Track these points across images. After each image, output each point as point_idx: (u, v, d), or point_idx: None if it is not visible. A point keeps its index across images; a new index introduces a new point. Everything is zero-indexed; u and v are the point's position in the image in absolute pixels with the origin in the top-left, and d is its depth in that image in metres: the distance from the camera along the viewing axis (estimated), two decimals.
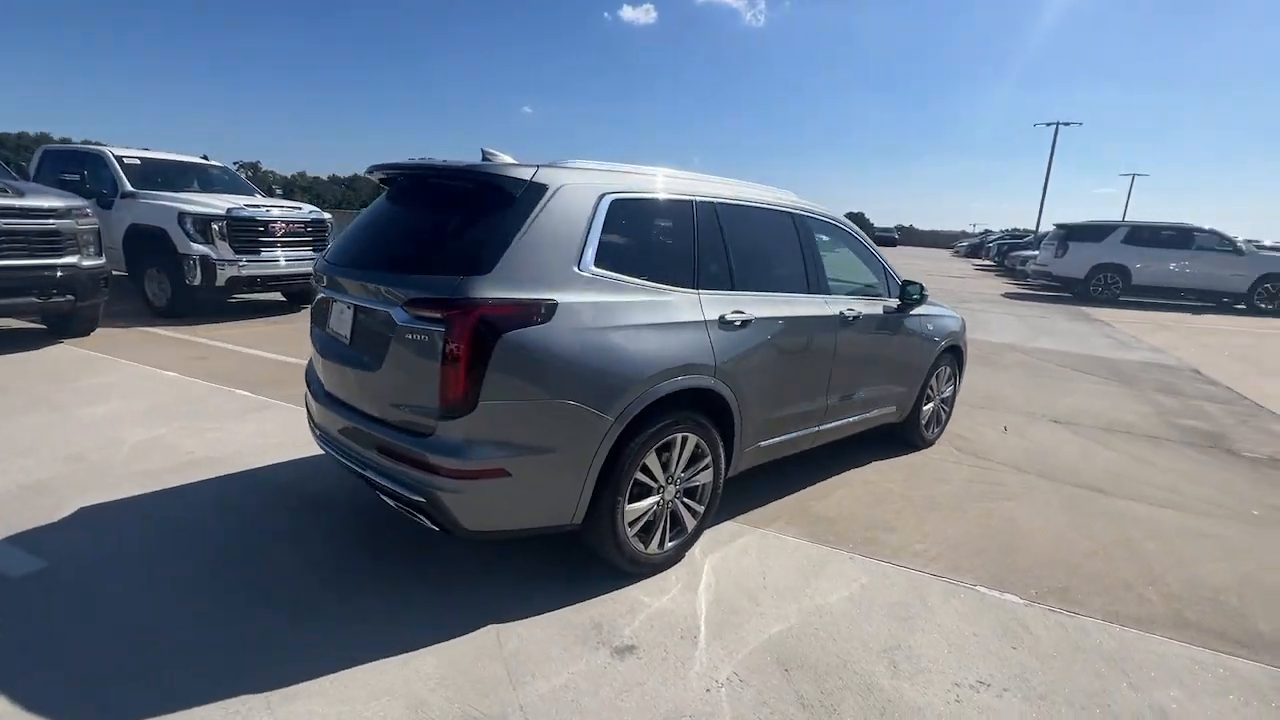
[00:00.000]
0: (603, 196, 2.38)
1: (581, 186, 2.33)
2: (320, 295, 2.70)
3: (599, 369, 2.22)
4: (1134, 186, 41.07)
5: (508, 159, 2.41)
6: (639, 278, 2.43)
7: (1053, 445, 4.72)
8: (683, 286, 2.59)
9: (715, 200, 2.85)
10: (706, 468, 2.70)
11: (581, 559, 2.61)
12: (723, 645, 2.20)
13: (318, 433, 2.67)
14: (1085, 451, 4.64)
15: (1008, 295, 15.80)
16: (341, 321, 2.46)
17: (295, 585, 2.41)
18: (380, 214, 2.62)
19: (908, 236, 68.97)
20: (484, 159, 2.82)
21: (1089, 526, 3.36)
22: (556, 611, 2.33)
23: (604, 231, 2.34)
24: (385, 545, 2.73)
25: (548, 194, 2.24)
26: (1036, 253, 17.22)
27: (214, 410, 4.24)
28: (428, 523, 2.18)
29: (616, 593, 2.47)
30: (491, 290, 2.04)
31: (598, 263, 2.30)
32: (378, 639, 2.12)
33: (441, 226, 2.35)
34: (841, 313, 3.36)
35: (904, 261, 34.29)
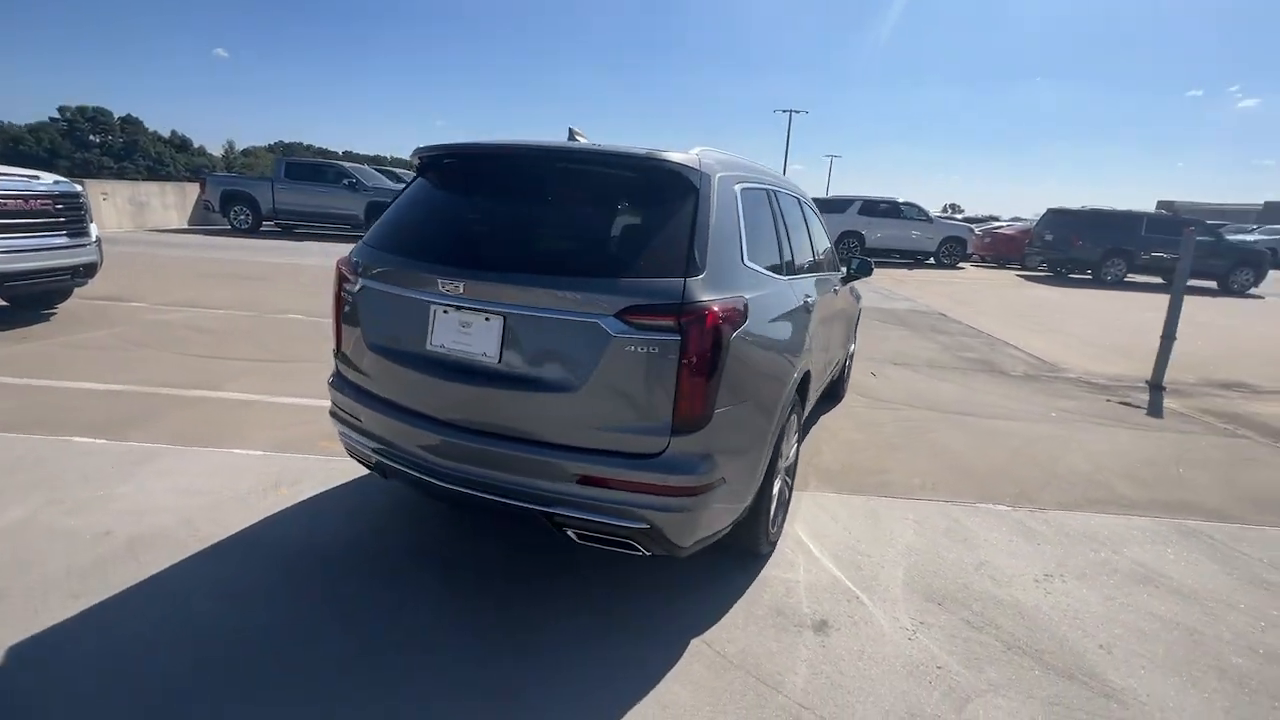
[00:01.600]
0: (736, 185, 2.35)
1: (726, 176, 2.27)
2: (385, 293, 2.21)
3: (775, 362, 2.29)
4: (832, 167, 50.51)
5: (583, 139, 2.22)
6: (763, 268, 2.47)
7: (912, 383, 5.90)
8: (780, 274, 2.69)
9: (776, 188, 2.97)
10: (797, 441, 2.91)
11: (677, 562, 2.59)
12: (881, 599, 2.49)
13: (408, 465, 2.19)
14: (933, 385, 5.91)
15: None
16: (471, 334, 2.05)
17: (462, 665, 2.01)
18: (493, 204, 2.21)
19: None
20: (570, 137, 2.55)
21: (988, 443, 4.38)
22: (732, 610, 2.35)
23: (745, 223, 2.32)
24: (501, 591, 2.40)
25: (713, 185, 2.13)
26: None
27: (70, 473, 3.05)
28: (640, 550, 2.01)
29: (758, 579, 2.57)
30: (712, 292, 1.93)
31: (749, 255, 2.29)
32: (611, 693, 1.93)
33: (614, 221, 2.10)
34: (835, 285, 3.78)
35: None
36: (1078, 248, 14.71)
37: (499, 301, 1.99)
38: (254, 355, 5.25)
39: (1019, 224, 20.06)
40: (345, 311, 2.43)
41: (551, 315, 1.95)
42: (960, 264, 17.64)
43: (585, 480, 1.94)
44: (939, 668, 2.13)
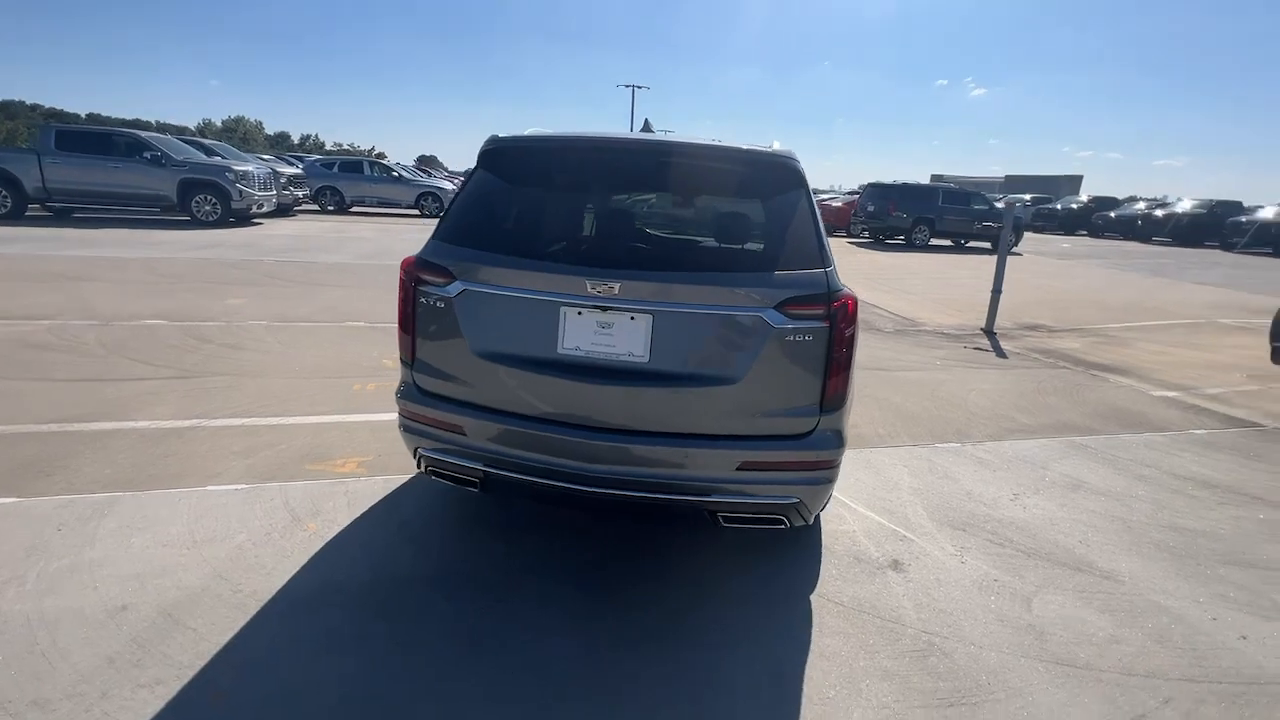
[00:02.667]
0: None
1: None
2: (500, 297, 2.09)
3: None
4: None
5: (670, 134, 2.26)
6: None
7: None
8: None
9: None
10: None
11: (749, 537, 2.79)
12: (921, 534, 2.91)
13: (537, 474, 2.13)
14: None
15: None
16: (613, 334, 2.03)
17: (647, 656, 2.03)
18: (617, 200, 2.14)
19: None
20: (646, 128, 2.54)
21: (910, 392, 5.12)
22: (823, 566, 2.62)
23: None
24: (629, 593, 2.42)
25: (805, 176, 2.28)
26: None
27: (27, 538, 2.40)
28: (784, 524, 2.16)
29: (823, 535, 2.86)
30: (838, 281, 2.10)
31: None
32: (778, 654, 2.10)
33: (746, 216, 2.14)
34: None
35: None
36: (894, 216, 17.14)
37: (647, 300, 1.99)
38: (144, 373, 4.36)
39: (847, 197, 22.66)
40: (429, 318, 2.22)
41: (709, 311, 2.00)
42: None
43: (745, 466, 2.05)
44: (995, 580, 2.59)
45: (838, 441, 2.14)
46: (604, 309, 2.02)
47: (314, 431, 3.62)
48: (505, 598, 2.31)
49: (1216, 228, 22.56)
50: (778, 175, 2.21)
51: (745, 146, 2.15)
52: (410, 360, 2.31)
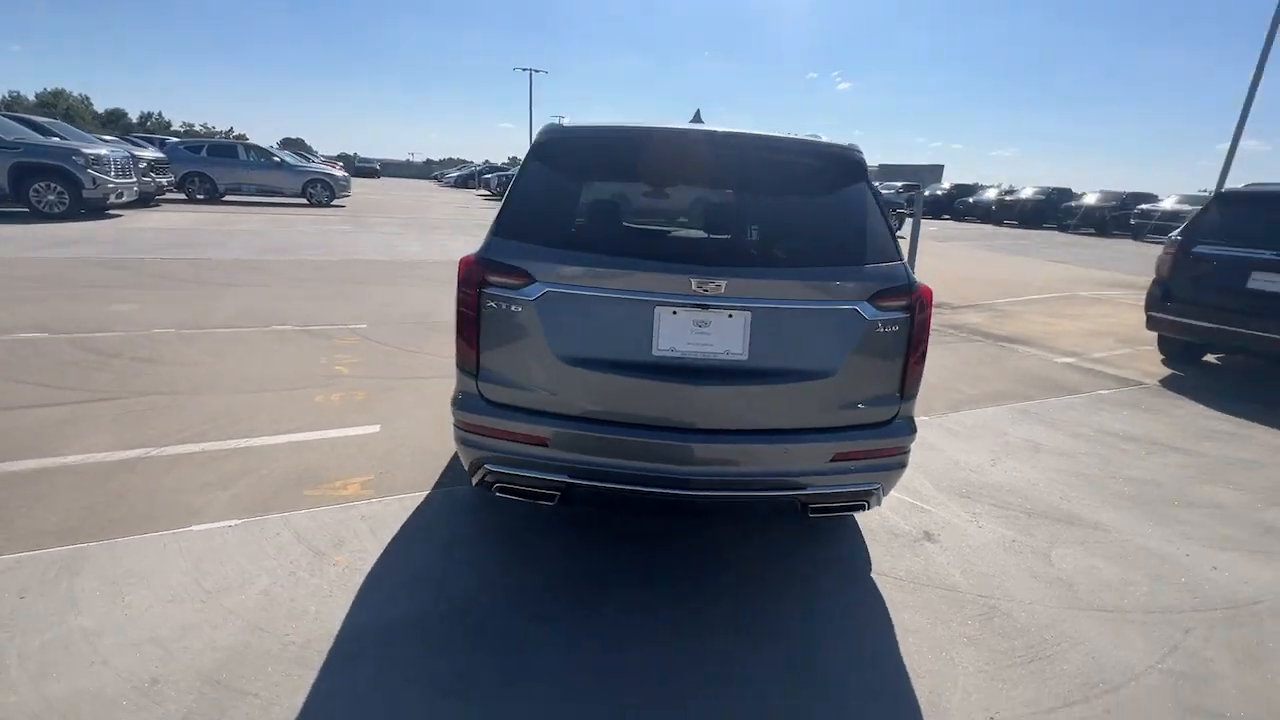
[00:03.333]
0: None
1: None
2: (587, 298, 1.99)
3: None
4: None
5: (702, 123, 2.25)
6: None
7: None
8: None
9: None
10: None
11: (793, 524, 2.89)
12: (937, 505, 3.13)
13: (630, 480, 2.05)
14: None
15: None
16: (710, 333, 1.99)
17: (749, 648, 2.01)
18: (700, 195, 2.06)
19: (387, 169, 64.40)
20: (696, 119, 2.49)
21: None
22: (870, 545, 2.73)
23: None
24: (707, 588, 2.38)
25: (866, 169, 2.31)
26: None
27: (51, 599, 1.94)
28: (863, 509, 2.23)
29: (848, 518, 2.99)
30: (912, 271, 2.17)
31: None
32: (866, 633, 2.17)
33: (825, 209, 2.14)
34: None
35: (408, 193, 34.04)
36: None
37: (746, 297, 1.96)
38: (48, 398, 3.67)
39: None
40: (500, 323, 2.05)
41: (807, 306, 2.00)
42: None
43: (838, 457, 2.09)
44: (1013, 540, 2.84)
45: (911, 428, 2.24)
46: (705, 307, 1.97)
47: (291, 453, 3.23)
48: (596, 609, 2.21)
49: (1053, 211, 25.88)
50: (846, 168, 2.24)
51: (814, 139, 2.16)
52: (474, 369, 2.12)
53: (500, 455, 2.11)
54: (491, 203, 27.77)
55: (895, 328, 2.09)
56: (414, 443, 3.44)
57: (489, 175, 31.61)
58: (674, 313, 1.97)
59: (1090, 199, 25.42)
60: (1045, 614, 2.34)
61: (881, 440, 2.15)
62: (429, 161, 79.83)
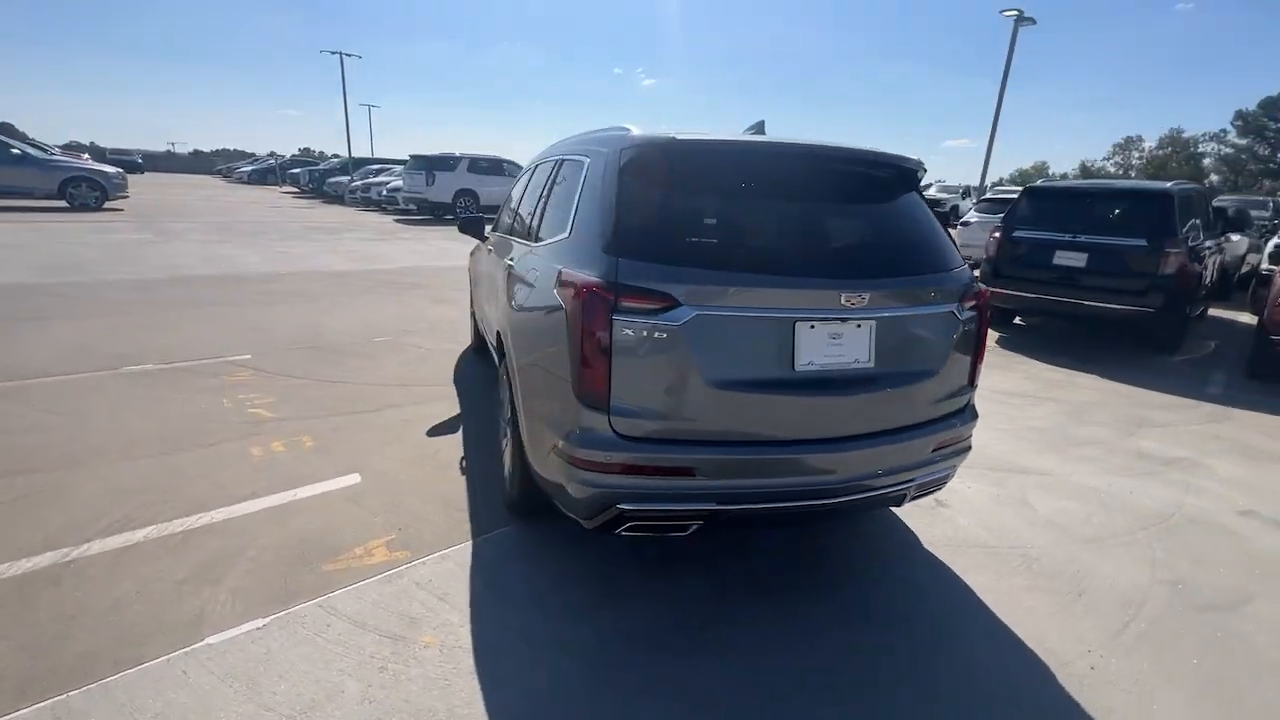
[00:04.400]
0: None
1: None
2: (733, 319, 1.95)
3: None
4: (372, 117, 47.18)
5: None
6: None
7: None
8: None
9: None
10: None
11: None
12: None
13: (772, 499, 2.05)
14: None
15: (404, 222, 16.82)
16: (843, 344, 2.04)
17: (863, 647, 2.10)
18: (809, 207, 2.08)
19: (149, 161, 51.32)
20: (759, 130, 2.52)
21: None
22: (919, 531, 3.00)
23: None
24: (809, 592, 2.43)
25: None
26: (394, 180, 18.94)
27: None
28: (937, 493, 2.44)
29: None
30: None
31: None
32: (968, 617, 2.41)
33: (908, 218, 2.25)
34: None
35: (196, 192, 28.86)
36: None
37: (874, 307, 2.04)
38: None
39: None
40: (637, 351, 1.92)
41: (918, 311, 2.14)
42: None
43: (938, 447, 2.27)
44: (999, 494, 3.32)
45: (975, 414, 2.51)
46: (842, 320, 2.02)
47: (272, 523, 2.67)
48: (723, 632, 2.16)
49: None
50: (913, 179, 2.41)
51: (888, 151, 2.29)
52: (603, 403, 1.94)
53: (637, 492, 1.97)
54: (306, 201, 24.59)
55: (971, 325, 2.33)
56: (413, 489, 3.04)
57: (298, 170, 27.85)
58: (812, 327, 2.00)
59: None
60: (1061, 554, 2.79)
61: (963, 428, 2.39)
62: (198, 153, 68.46)
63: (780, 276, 1.98)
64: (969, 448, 2.50)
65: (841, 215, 2.28)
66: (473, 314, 5.17)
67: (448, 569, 2.44)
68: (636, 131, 2.21)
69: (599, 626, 2.18)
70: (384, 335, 5.75)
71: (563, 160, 2.90)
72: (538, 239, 2.81)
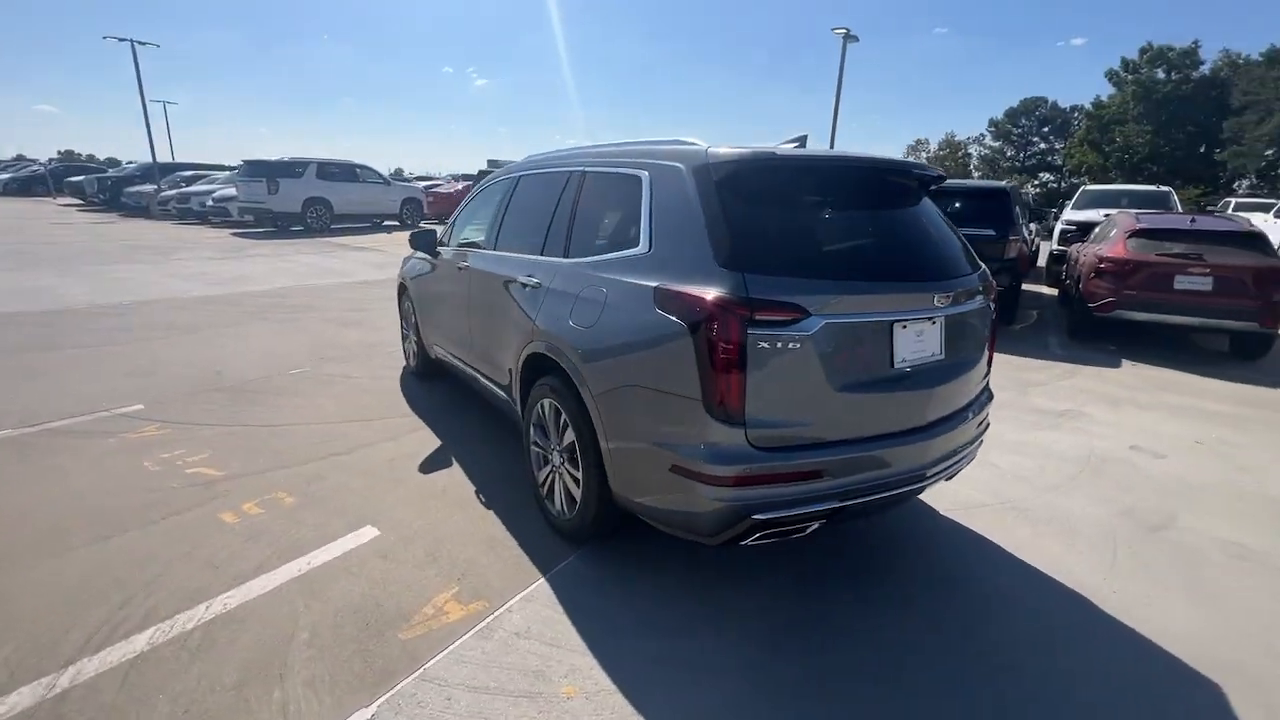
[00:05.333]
0: None
1: None
2: (849, 325, 2.06)
3: None
4: (168, 115, 40.55)
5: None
6: None
7: None
8: None
9: None
10: None
11: None
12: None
13: (883, 489, 2.19)
14: None
15: (246, 236, 14.58)
16: (924, 341, 2.24)
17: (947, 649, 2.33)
18: (885, 215, 2.25)
19: None
20: (802, 144, 2.65)
21: None
22: (931, 503, 3.31)
23: None
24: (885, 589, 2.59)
25: None
26: (221, 189, 16.42)
27: None
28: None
29: None
30: None
31: None
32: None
33: (944, 220, 2.48)
34: None
35: None
36: None
37: (944, 306, 2.23)
38: None
39: (457, 182, 22.16)
40: (770, 362, 1.95)
41: (970, 306, 2.38)
42: (421, 223, 18.50)
43: (981, 423, 2.55)
44: (988, 463, 3.77)
45: (992, 393, 2.85)
46: (929, 319, 2.19)
47: (300, 599, 2.30)
48: (815, 628, 2.26)
49: None
50: (938, 182, 2.66)
51: (920, 159, 2.55)
52: (739, 416, 1.94)
53: (771, 500, 2.00)
54: (100, 215, 20.51)
55: (993, 315, 2.65)
56: (443, 533, 2.77)
57: (80, 178, 23.03)
58: (904, 327, 2.16)
59: None
60: (1040, 502, 3.26)
61: (989, 405, 2.72)
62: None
63: (885, 282, 2.13)
64: (989, 423, 2.85)
65: (910, 222, 2.46)
66: (416, 338, 4.76)
67: (539, 612, 2.28)
68: (712, 146, 2.24)
69: (728, 639, 2.18)
70: (299, 367, 5.09)
71: (586, 172, 2.81)
72: (569, 254, 2.71)
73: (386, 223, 17.92)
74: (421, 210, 17.77)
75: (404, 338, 5.17)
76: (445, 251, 4.17)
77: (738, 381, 1.93)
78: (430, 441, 3.76)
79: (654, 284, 2.13)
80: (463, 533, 2.78)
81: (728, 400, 1.94)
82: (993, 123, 53.45)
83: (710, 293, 1.94)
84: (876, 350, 2.14)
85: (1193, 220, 6.86)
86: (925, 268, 2.29)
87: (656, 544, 2.68)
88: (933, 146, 54.01)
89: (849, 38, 17.14)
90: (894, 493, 2.23)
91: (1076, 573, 2.64)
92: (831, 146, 19.04)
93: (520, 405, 3.00)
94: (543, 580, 2.47)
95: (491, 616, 2.25)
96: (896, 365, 2.18)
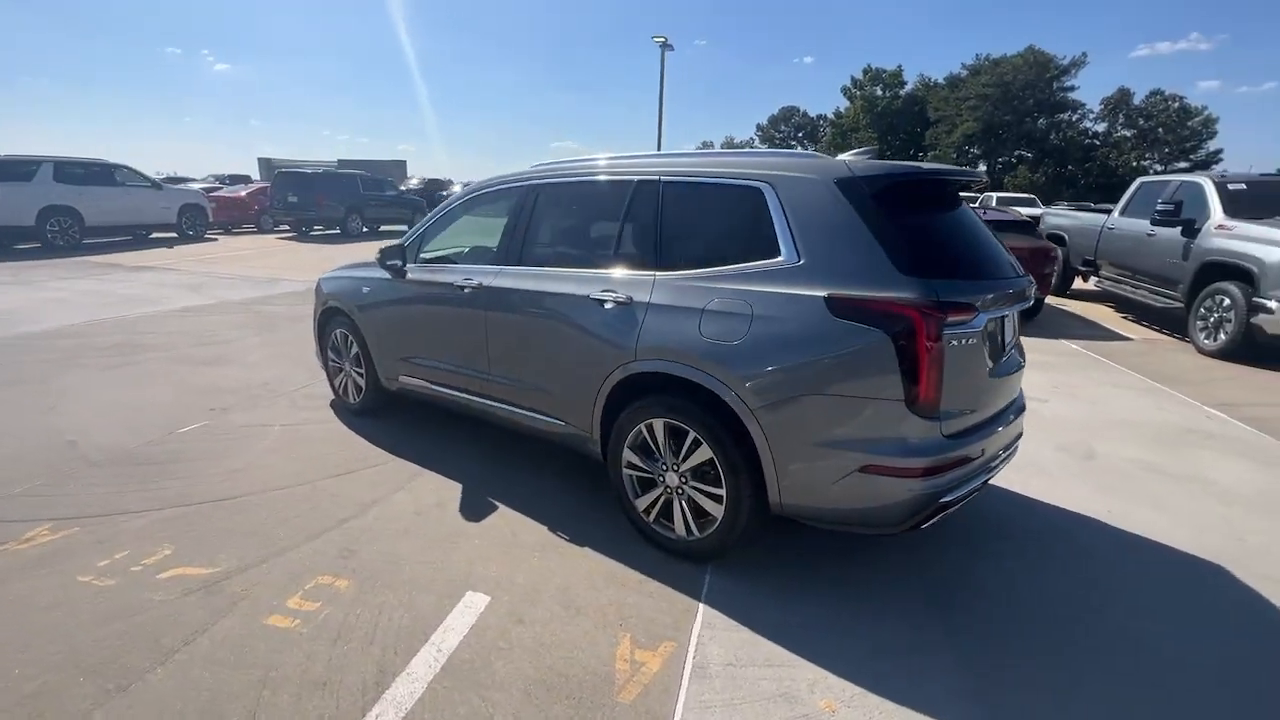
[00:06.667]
0: None
1: None
2: (991, 319, 2.33)
3: None
4: None
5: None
6: None
7: None
8: None
9: None
10: None
11: None
12: None
13: (994, 467, 2.47)
14: None
15: None
16: (1008, 329, 2.56)
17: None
18: (962, 221, 2.47)
19: None
20: (875, 155, 2.86)
21: None
22: None
23: None
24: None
25: None
26: None
27: None
28: None
29: None
30: None
31: None
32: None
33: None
34: None
35: None
36: (325, 206, 15.76)
37: (1007, 306, 2.51)
38: None
39: (246, 186, 18.46)
40: (957, 358, 2.15)
41: (1016, 308, 2.72)
42: (207, 235, 15.18)
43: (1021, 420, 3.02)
44: None
45: None
46: (1001, 317, 2.48)
47: (470, 695, 1.93)
48: (993, 592, 2.53)
49: None
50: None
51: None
52: (937, 410, 2.09)
53: (953, 483, 2.19)
54: None
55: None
56: (560, 580, 2.51)
57: None
58: (1004, 319, 2.48)
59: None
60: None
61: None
62: None
63: (999, 280, 2.42)
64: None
65: (980, 225, 2.77)
66: (361, 370, 4.08)
67: (731, 637, 2.20)
68: (845, 160, 2.37)
69: (913, 618, 2.32)
70: (188, 423, 4.06)
71: (662, 182, 2.70)
72: (660, 267, 2.61)
73: (155, 235, 14.58)
74: (206, 218, 14.69)
75: (333, 372, 4.40)
76: (415, 270, 3.67)
77: (938, 378, 2.08)
78: (446, 486, 3.30)
79: (822, 293, 2.18)
80: (578, 577, 2.54)
81: (930, 396, 2.08)
82: (759, 127, 60.49)
83: (908, 298, 2.06)
84: (998, 340, 2.45)
85: (985, 212, 8.65)
86: (1005, 265, 2.65)
87: (763, 548, 2.73)
88: (716, 148, 59.70)
89: (666, 46, 18.26)
90: (997, 470, 2.58)
91: (1076, 501, 3.28)
92: (659, 145, 20.02)
93: (601, 432, 2.81)
94: (703, 606, 2.38)
95: (690, 655, 2.11)
96: (1005, 353, 2.53)
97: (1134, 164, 41.11)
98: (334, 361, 4.36)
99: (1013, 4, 75.31)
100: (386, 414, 4.21)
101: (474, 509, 3.07)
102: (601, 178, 3.00)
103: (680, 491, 2.59)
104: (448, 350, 3.51)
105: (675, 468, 2.58)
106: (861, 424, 2.16)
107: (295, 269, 11.08)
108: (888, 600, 2.44)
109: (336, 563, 2.59)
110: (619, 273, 2.74)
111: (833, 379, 2.18)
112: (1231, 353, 6.28)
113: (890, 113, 49.34)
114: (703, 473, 2.50)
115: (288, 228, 17.13)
